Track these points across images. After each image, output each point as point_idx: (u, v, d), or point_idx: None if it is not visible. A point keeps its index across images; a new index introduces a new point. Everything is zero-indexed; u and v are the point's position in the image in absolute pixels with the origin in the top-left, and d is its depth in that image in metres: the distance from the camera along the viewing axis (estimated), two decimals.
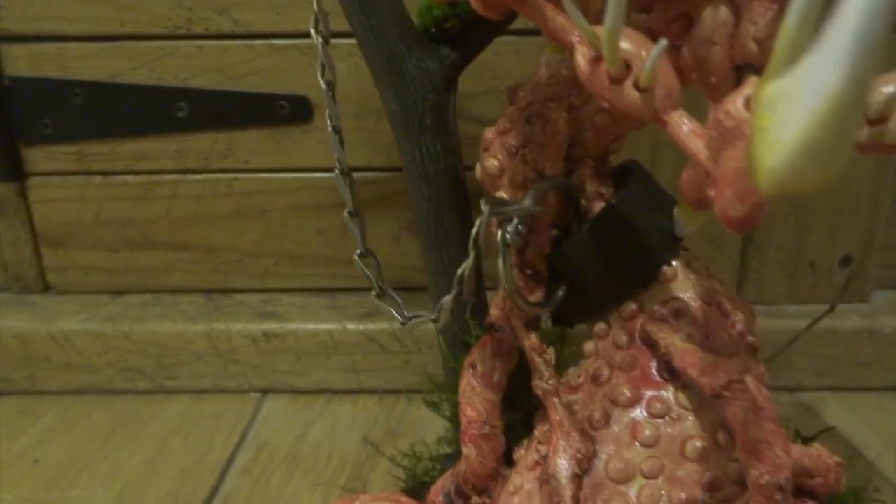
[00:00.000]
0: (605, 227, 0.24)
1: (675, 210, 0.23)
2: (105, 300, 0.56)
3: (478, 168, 0.26)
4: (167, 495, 0.40)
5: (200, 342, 0.51)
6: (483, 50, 0.28)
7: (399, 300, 0.26)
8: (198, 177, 0.54)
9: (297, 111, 0.52)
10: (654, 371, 0.23)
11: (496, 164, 0.25)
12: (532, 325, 0.25)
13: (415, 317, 0.25)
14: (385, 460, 0.40)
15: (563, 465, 0.22)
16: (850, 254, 0.53)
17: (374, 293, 0.26)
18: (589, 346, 0.26)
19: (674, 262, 0.25)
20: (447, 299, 0.23)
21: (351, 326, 0.51)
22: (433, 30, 0.26)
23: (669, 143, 0.50)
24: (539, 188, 0.22)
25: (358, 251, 0.26)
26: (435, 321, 0.24)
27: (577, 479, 0.22)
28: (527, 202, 0.22)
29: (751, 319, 0.27)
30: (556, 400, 0.23)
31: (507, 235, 0.22)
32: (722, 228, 0.49)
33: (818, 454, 0.24)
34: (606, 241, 0.24)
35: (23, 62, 0.51)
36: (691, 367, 0.21)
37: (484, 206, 0.21)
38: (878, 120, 0.16)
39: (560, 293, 0.25)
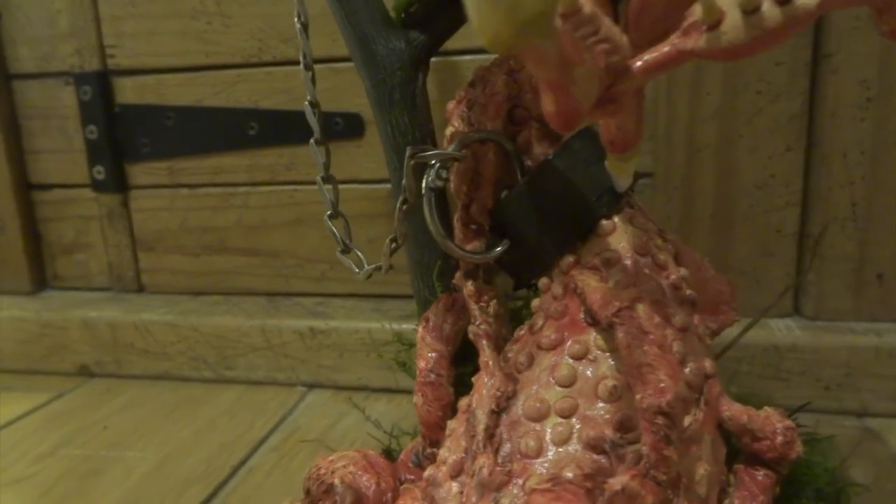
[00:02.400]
0: (542, 181, 0.25)
1: (606, 163, 0.24)
2: (185, 299, 0.62)
3: (445, 131, 0.29)
4: (203, 461, 0.44)
5: (255, 336, 0.56)
6: (453, 34, 0.30)
7: (362, 256, 0.28)
8: (265, 188, 0.60)
9: (350, 127, 0.57)
10: (581, 317, 0.24)
11: (453, 130, 0.27)
12: (471, 274, 0.26)
13: (369, 268, 0.27)
14: (391, 351, 0.41)
15: (482, 401, 0.23)
16: (881, 270, 0.48)
17: (339, 249, 0.28)
18: (535, 301, 0.26)
19: (615, 217, 0.25)
20: (385, 243, 0.25)
21: (389, 326, 0.53)
22: (403, 15, 0.29)
23: (708, 147, 0.49)
24: (464, 138, 0.24)
25: (328, 212, 0.29)
26: (379, 268, 0.26)
27: (495, 415, 0.23)
28: (450, 149, 0.23)
29: (714, 285, 0.27)
30: (484, 342, 0.24)
31: (429, 179, 0.23)
32: (774, 239, 0.47)
33: (766, 416, 0.23)
34: (544, 195, 0.25)
35: (130, 92, 0.61)
36: (594, 303, 0.21)
37: (407, 152, 0.23)
38: (714, 24, 0.16)
39: (500, 247, 0.26)
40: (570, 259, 0.25)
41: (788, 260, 0.50)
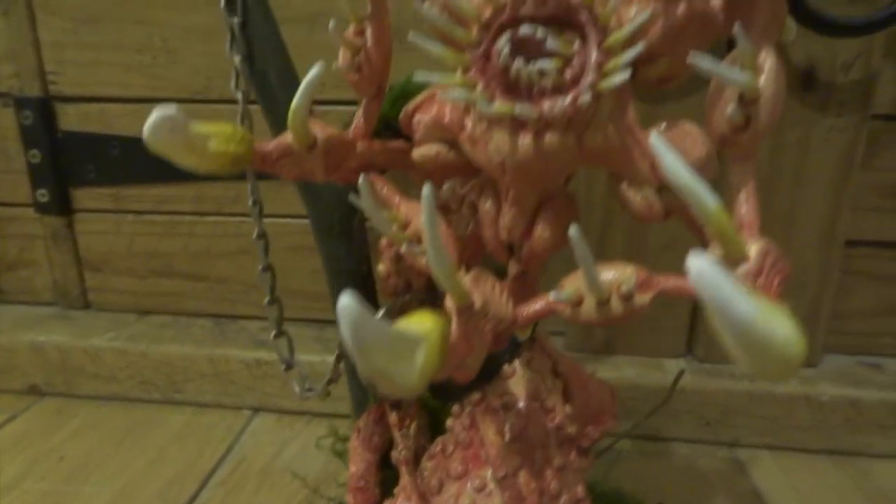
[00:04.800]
0: None
1: None
2: (133, 319, 0.65)
3: (378, 268, 0.33)
4: (156, 497, 0.48)
5: (204, 364, 0.60)
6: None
7: (304, 374, 0.33)
8: (211, 219, 0.62)
9: None
10: (482, 453, 0.29)
11: (384, 269, 0.32)
12: (395, 405, 0.31)
13: (309, 393, 0.32)
14: (328, 442, 0.47)
15: None
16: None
17: (272, 333, 0.32)
18: (449, 422, 0.32)
19: (516, 362, 0.30)
20: (325, 380, 0.30)
21: (329, 359, 0.58)
22: None
23: (622, 225, 0.55)
24: (391, 306, 0.29)
25: (267, 298, 0.33)
26: (319, 393, 0.31)
27: None
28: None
29: (598, 397, 0.33)
30: (404, 468, 0.30)
31: None
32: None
33: None
34: None
35: (73, 118, 0.61)
36: (490, 458, 0.27)
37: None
38: (577, 304, 0.21)
39: None
40: (477, 395, 0.30)
41: (681, 310, 0.57)
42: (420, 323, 0.17)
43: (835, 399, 0.54)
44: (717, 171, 0.23)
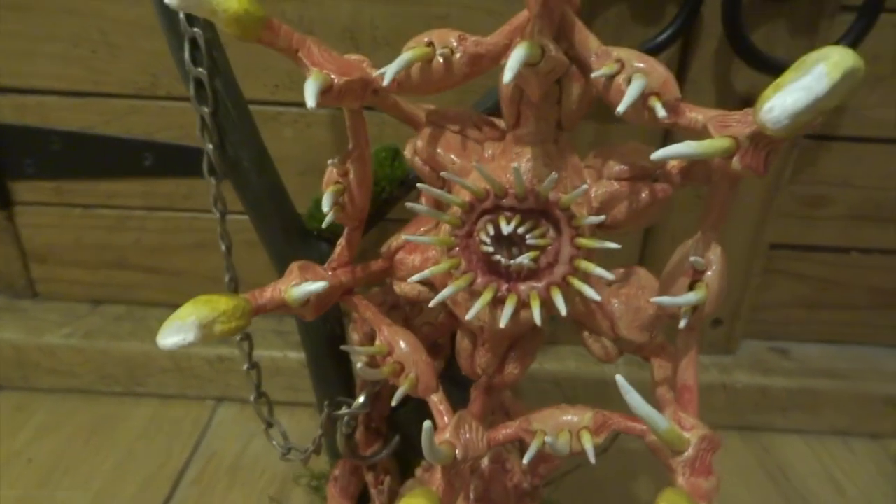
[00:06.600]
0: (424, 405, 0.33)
1: None
2: (85, 310, 0.65)
3: (351, 335, 0.35)
4: (131, 501, 0.51)
5: (164, 360, 0.61)
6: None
7: (283, 429, 0.35)
8: (163, 214, 0.62)
9: None
10: None
11: (358, 339, 0.34)
12: (372, 467, 0.34)
13: (291, 457, 0.34)
14: (305, 480, 0.51)
15: None
16: (721, 317, 0.62)
17: (264, 427, 0.35)
18: (418, 471, 0.35)
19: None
20: (309, 448, 0.33)
21: (291, 355, 0.60)
22: (315, 232, 0.34)
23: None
24: (370, 391, 0.31)
25: (253, 395, 0.35)
26: (303, 459, 0.34)
27: None
28: (357, 404, 0.31)
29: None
30: None
31: (343, 427, 0.31)
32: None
33: None
34: (426, 408, 0.33)
35: (7, 110, 0.58)
36: None
37: (326, 407, 0.30)
38: (541, 443, 0.24)
39: (388, 448, 0.34)
40: None
41: None
42: None
43: (747, 386, 0.61)
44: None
